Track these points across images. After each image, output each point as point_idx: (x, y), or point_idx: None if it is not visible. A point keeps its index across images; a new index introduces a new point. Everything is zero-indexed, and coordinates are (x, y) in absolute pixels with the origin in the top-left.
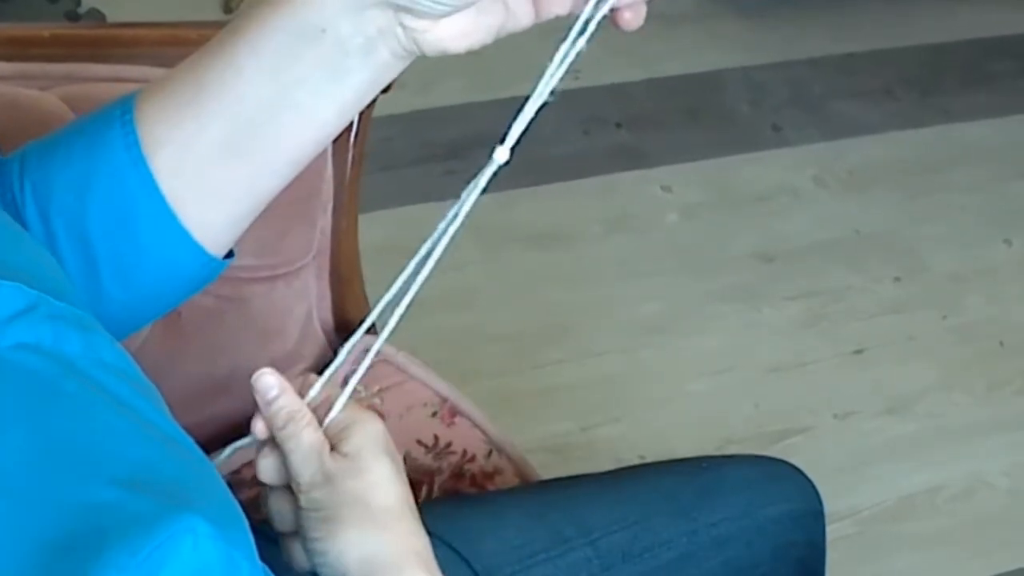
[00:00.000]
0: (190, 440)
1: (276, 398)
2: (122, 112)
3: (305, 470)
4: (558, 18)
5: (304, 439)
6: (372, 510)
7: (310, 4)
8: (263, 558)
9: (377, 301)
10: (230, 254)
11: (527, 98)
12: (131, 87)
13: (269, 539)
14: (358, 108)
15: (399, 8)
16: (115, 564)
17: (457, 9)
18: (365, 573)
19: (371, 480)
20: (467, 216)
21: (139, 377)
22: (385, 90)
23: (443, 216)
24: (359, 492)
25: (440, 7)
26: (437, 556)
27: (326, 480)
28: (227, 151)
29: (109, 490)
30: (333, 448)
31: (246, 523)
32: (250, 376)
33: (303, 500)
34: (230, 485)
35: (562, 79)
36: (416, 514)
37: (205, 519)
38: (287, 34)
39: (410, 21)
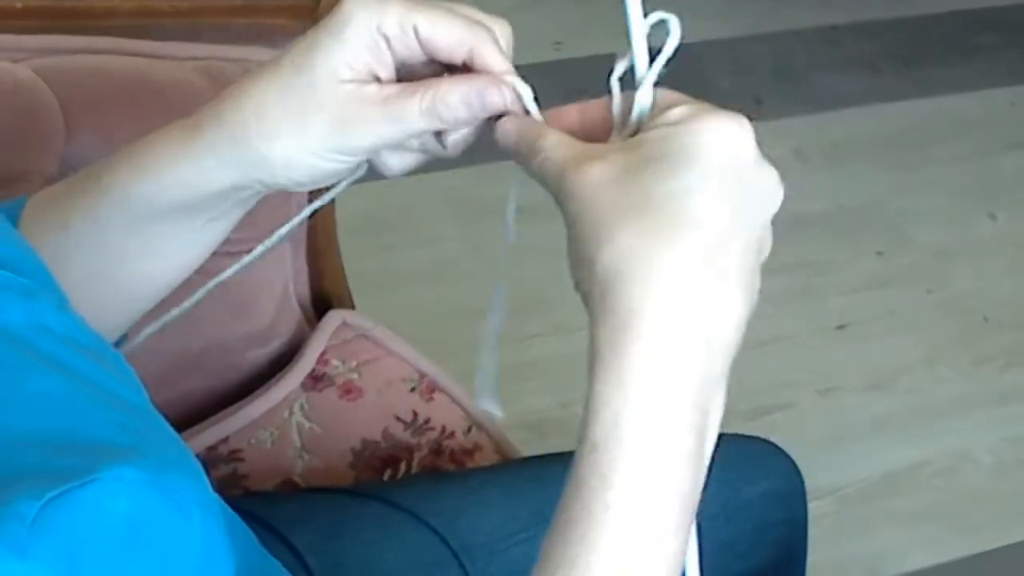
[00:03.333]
0: (143, 399)
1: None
2: (17, 203)
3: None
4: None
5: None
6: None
7: (181, 185)
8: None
9: (354, 274)
10: None
11: None
12: (104, 59)
13: (252, 517)
14: (225, 237)
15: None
16: (26, 495)
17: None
18: (604, 300)
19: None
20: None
21: (89, 341)
22: None
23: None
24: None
25: (306, 185)
26: (415, 535)
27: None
28: (91, 280)
29: (30, 452)
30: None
31: (203, 476)
32: (224, 352)
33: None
34: (205, 462)
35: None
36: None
37: (138, 468)
38: (154, 206)
39: (285, 188)
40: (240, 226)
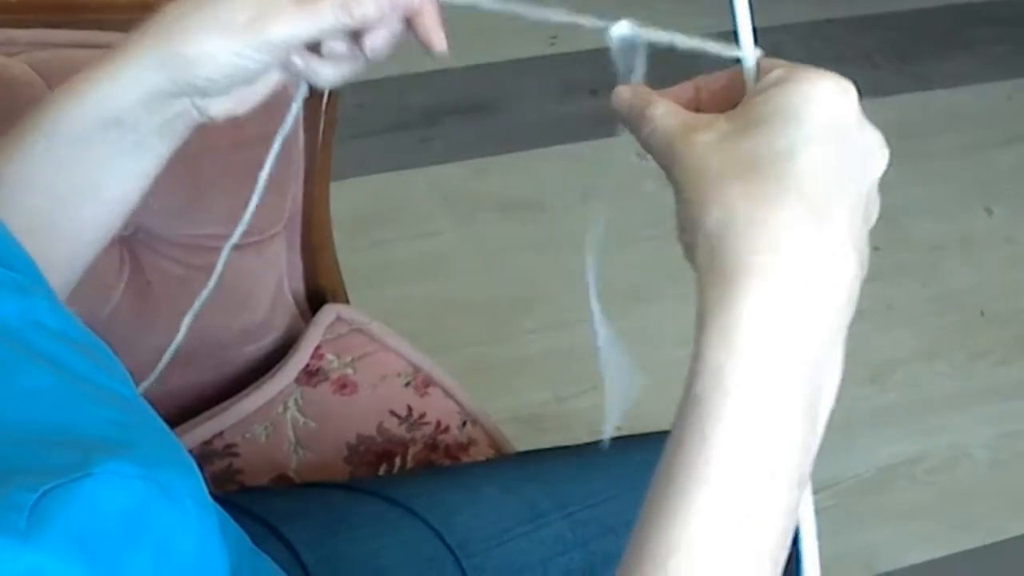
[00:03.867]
0: (134, 393)
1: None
2: None
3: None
4: None
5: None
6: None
7: (106, 97)
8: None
9: (348, 269)
10: None
11: None
12: (100, 54)
13: (247, 512)
14: (156, 175)
15: (193, 94)
16: (21, 487)
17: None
18: (712, 261)
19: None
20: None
21: (82, 338)
22: None
23: None
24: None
25: (225, 88)
26: (410, 531)
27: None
28: (30, 234)
29: (24, 447)
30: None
31: (195, 470)
32: (218, 347)
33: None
34: (200, 456)
35: (538, 45)
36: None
37: (132, 463)
38: (83, 126)
39: (201, 101)
40: (236, 220)
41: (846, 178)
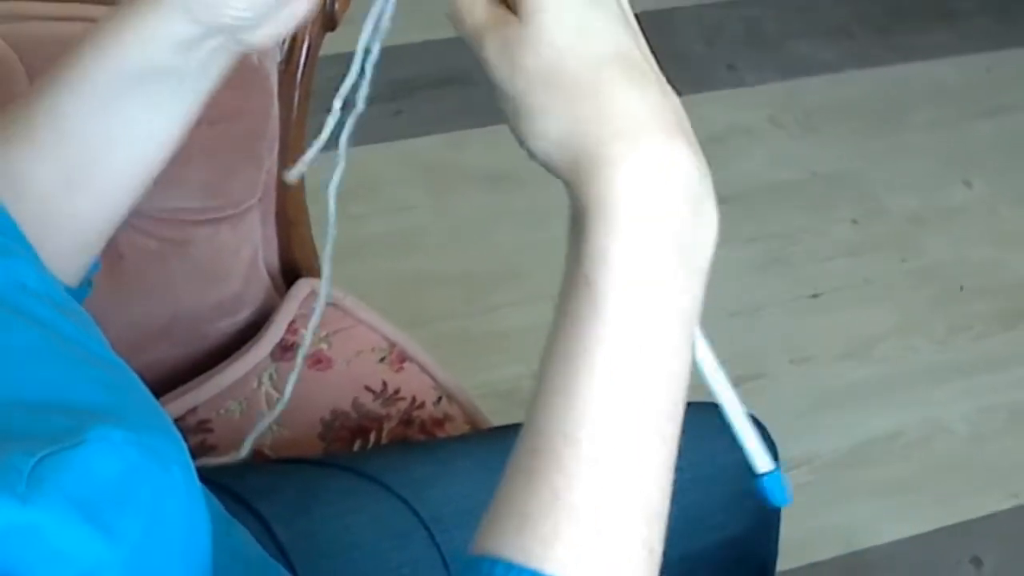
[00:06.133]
0: (118, 359)
1: None
2: None
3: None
4: None
5: None
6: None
7: (135, 52)
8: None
9: (323, 243)
10: (89, 284)
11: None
12: (74, 26)
13: (220, 487)
14: (198, 115)
15: (227, 32)
16: (19, 452)
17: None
18: (571, 163)
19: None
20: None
21: (65, 302)
22: (332, 28)
23: None
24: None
25: (257, 20)
26: (384, 505)
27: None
28: (64, 186)
29: (17, 413)
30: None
31: (180, 438)
32: (192, 321)
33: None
34: None
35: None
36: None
37: (123, 429)
38: (116, 80)
39: (238, 35)
40: (213, 195)
41: (617, 32)
